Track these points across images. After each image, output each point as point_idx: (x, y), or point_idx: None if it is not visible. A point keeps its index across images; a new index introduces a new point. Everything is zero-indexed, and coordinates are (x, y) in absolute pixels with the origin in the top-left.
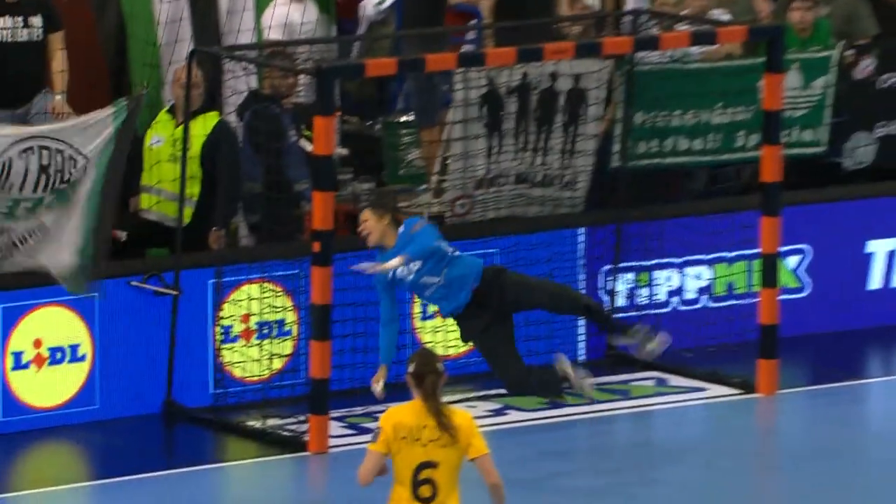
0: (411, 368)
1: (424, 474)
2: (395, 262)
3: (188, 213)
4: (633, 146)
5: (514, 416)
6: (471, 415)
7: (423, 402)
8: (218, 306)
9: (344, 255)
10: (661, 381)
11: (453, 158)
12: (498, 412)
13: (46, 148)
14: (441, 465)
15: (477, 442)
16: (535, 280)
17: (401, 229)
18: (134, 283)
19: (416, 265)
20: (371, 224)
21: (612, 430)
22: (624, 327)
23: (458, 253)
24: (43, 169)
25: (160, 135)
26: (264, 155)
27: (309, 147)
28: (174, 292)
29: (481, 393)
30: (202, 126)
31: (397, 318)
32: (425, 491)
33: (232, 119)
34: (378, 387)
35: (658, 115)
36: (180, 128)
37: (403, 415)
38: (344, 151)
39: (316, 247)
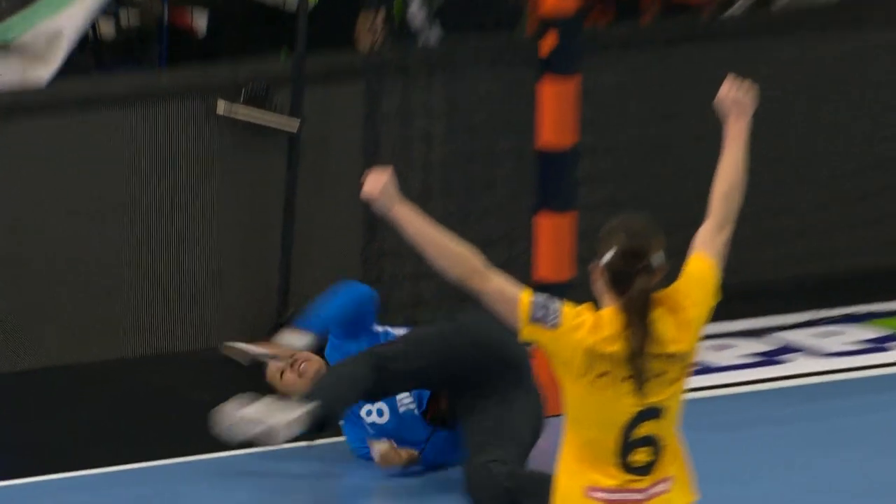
0: (609, 257)
1: (642, 430)
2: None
3: None
4: None
5: (800, 363)
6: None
7: (625, 318)
8: (373, 152)
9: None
10: None
11: None
12: (770, 357)
13: None
14: (668, 410)
15: (698, 290)
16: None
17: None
18: (222, 109)
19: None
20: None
21: None
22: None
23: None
24: None
25: None
26: None
27: None
28: (293, 124)
29: (743, 326)
30: None
31: None
32: (641, 456)
33: None
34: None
35: None
36: None
37: (605, 335)
38: None
39: (547, 43)
